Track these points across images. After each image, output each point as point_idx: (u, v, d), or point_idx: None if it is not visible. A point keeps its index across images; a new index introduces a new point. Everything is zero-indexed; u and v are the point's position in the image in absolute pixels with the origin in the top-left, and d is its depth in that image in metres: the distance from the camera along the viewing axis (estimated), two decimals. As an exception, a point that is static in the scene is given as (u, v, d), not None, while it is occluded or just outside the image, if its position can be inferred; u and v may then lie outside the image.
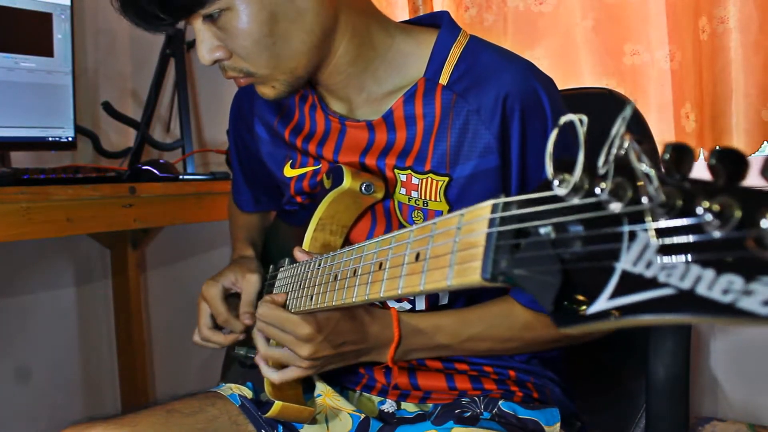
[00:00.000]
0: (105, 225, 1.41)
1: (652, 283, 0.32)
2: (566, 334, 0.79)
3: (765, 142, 1.14)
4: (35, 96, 1.49)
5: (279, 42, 0.76)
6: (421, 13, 1.47)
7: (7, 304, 1.76)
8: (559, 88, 0.86)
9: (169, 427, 0.81)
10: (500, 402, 0.83)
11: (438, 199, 0.81)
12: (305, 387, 0.87)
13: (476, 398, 0.84)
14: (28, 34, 1.47)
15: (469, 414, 0.81)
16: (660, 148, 0.32)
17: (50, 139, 1.53)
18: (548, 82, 0.81)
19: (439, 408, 0.85)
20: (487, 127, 0.77)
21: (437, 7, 1.51)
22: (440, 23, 0.84)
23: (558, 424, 0.84)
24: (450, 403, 0.85)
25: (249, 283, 0.94)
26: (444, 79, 0.81)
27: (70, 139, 1.56)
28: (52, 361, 1.87)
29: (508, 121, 0.77)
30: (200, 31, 0.77)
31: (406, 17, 1.50)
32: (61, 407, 1.86)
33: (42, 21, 1.48)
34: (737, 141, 1.15)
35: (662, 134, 1.27)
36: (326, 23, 0.78)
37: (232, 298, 0.97)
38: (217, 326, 0.97)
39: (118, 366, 1.97)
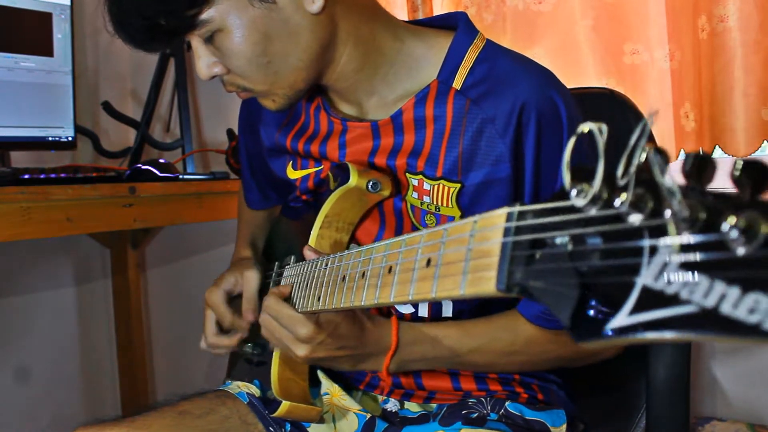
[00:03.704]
0: (105, 225, 1.41)
1: (674, 300, 0.30)
2: (584, 348, 0.78)
3: (765, 142, 1.14)
4: (35, 96, 1.48)
5: (275, 60, 0.76)
6: (420, 13, 1.47)
7: (7, 303, 1.76)
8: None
9: (181, 429, 0.81)
10: (507, 403, 0.83)
11: (450, 205, 0.79)
12: (311, 383, 0.87)
13: (482, 399, 0.84)
14: (28, 34, 1.47)
15: (476, 415, 0.81)
16: (674, 155, 0.31)
17: (50, 138, 1.53)
18: (566, 92, 0.79)
19: (444, 408, 0.85)
20: (501, 137, 0.75)
21: (436, 7, 1.51)
22: (456, 24, 0.82)
23: (564, 426, 0.84)
24: (456, 404, 0.84)
25: (248, 280, 0.96)
26: (458, 84, 0.78)
27: (70, 138, 1.56)
28: (52, 360, 1.87)
29: (523, 131, 0.75)
30: (197, 47, 0.77)
31: (405, 17, 1.50)
32: (61, 407, 1.86)
33: (42, 21, 1.48)
34: (737, 140, 1.14)
35: (662, 134, 1.27)
36: (323, 37, 0.77)
37: (236, 300, 0.98)
38: (222, 331, 0.99)
39: (118, 366, 1.97)
